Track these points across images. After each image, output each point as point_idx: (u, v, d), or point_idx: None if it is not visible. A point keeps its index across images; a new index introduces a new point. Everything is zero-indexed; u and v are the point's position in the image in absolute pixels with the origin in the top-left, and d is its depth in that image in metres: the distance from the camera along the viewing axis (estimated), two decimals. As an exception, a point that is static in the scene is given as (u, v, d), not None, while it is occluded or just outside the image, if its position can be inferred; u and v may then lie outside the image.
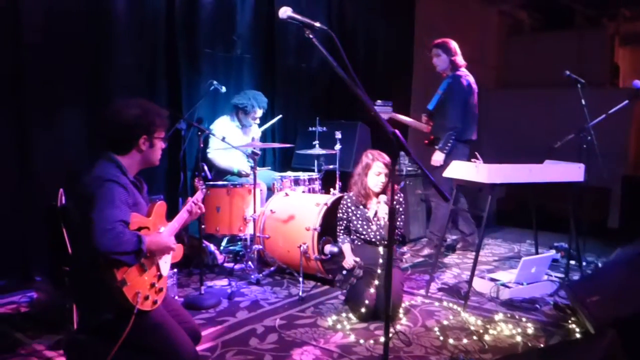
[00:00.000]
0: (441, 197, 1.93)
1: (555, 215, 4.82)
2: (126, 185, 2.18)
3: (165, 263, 2.36)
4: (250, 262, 4.04)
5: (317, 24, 2.03)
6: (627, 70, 9.25)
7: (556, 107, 7.01)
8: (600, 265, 4.35)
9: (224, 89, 4.30)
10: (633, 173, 6.85)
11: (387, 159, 3.49)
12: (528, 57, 8.55)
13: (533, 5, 8.75)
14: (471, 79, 4.64)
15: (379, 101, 4.69)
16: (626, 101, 4.11)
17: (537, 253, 4.46)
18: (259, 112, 4.60)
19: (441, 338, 2.96)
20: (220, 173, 4.53)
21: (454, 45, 4.63)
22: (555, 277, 3.95)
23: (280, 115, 5.05)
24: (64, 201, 3.01)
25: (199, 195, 2.72)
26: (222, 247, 4.58)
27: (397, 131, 1.91)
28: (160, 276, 2.30)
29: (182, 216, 2.55)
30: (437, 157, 4.52)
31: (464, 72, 4.63)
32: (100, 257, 2.01)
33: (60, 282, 2.90)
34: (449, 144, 4.49)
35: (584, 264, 4.24)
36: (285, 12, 2.01)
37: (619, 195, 6.18)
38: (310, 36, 2.01)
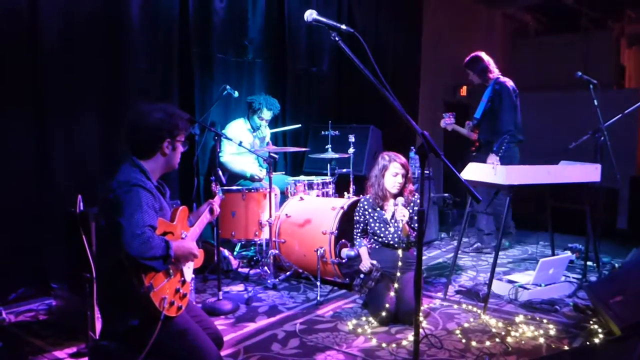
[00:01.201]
0: (473, 198, 1.92)
1: (566, 216, 4.79)
2: (152, 189, 2.17)
3: (188, 269, 2.34)
4: (266, 267, 4.02)
5: (344, 26, 2.02)
6: (633, 71, 9.27)
7: (563, 109, 7.00)
8: (617, 266, 4.33)
9: (236, 94, 4.29)
10: (641, 174, 6.83)
11: (403, 159, 3.48)
12: (534, 59, 8.55)
13: (538, 8, 8.77)
14: (512, 83, 4.72)
15: (445, 113, 5.00)
16: (642, 101, 4.10)
17: (553, 254, 4.43)
18: (266, 114, 4.59)
19: (463, 341, 2.94)
20: (233, 177, 4.52)
21: (482, 56, 4.77)
22: (573, 278, 3.93)
23: (300, 125, 5.11)
24: (82, 207, 3.01)
25: (216, 200, 2.72)
26: (235, 252, 4.57)
27: (426, 132, 1.90)
28: (184, 282, 2.29)
29: (202, 221, 2.54)
30: (492, 160, 4.52)
31: (504, 78, 4.72)
32: (128, 262, 1.99)
33: (79, 289, 2.88)
34: (504, 147, 4.54)
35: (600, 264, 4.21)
36: (311, 14, 2.00)
37: (627, 196, 6.16)
38: (337, 39, 2.01)
